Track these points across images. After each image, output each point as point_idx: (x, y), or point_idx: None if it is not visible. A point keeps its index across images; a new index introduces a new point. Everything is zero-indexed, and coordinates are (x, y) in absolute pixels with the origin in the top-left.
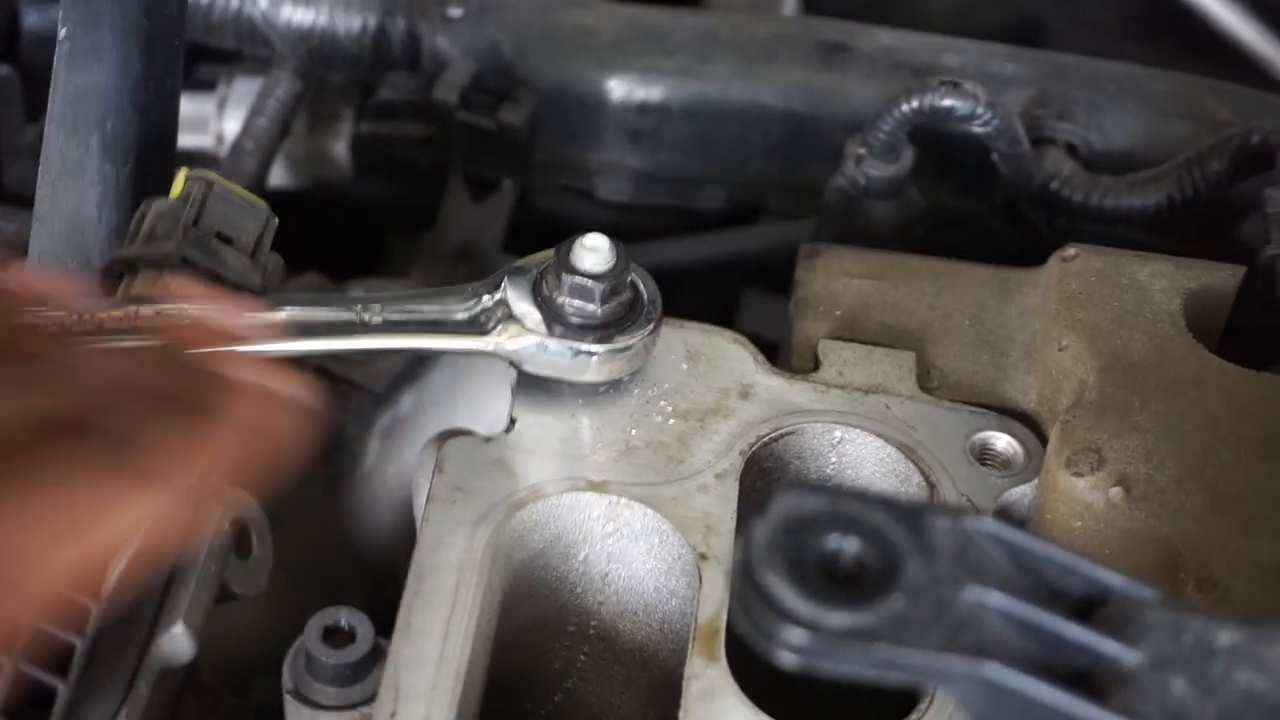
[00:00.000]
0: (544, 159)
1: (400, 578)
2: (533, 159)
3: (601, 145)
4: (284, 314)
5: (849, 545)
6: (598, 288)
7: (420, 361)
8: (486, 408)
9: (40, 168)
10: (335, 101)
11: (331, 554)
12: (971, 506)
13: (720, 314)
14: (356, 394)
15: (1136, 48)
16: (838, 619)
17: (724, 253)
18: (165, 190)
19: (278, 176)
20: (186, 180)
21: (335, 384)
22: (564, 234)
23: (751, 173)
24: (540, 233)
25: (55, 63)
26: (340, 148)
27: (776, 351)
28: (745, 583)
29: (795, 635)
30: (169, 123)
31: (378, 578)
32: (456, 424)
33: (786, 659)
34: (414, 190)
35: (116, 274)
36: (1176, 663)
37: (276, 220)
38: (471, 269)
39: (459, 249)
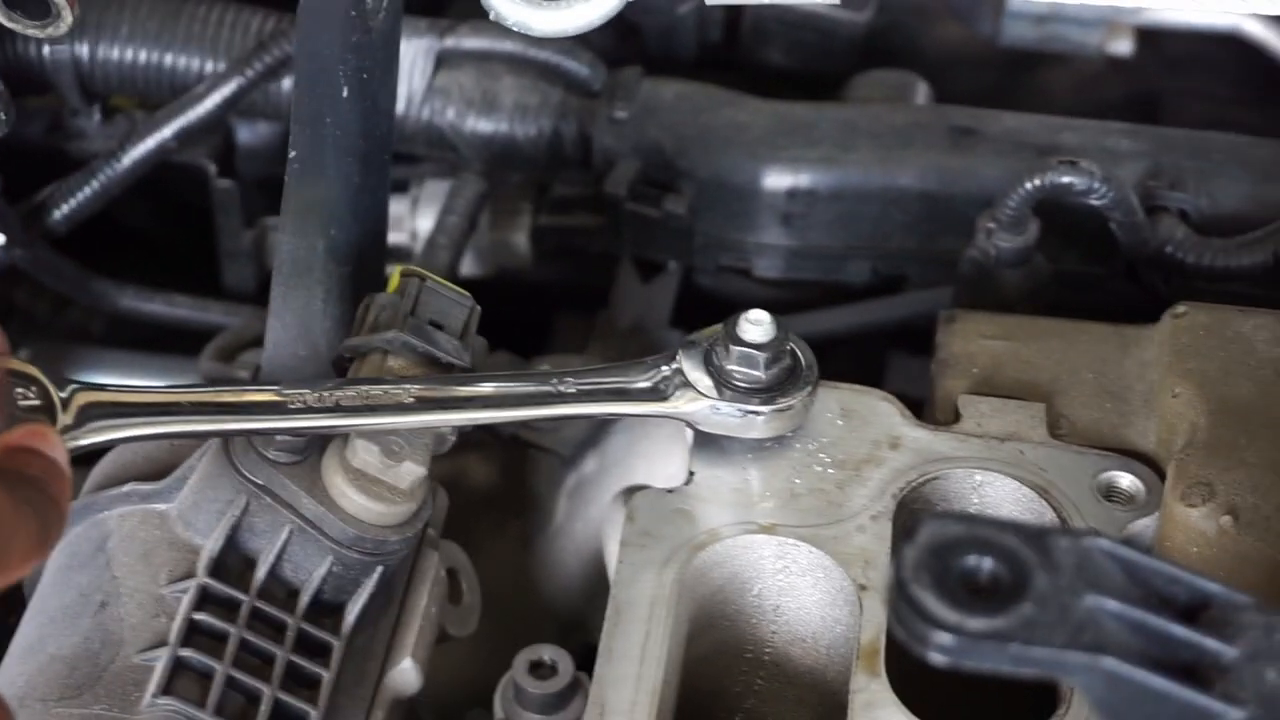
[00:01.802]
0: (704, 242)
1: (588, 622)
2: (694, 243)
3: (756, 228)
4: (491, 387)
5: (985, 563)
6: (761, 356)
7: (601, 427)
8: (660, 466)
9: (274, 270)
10: (514, 198)
11: (524, 603)
12: (1093, 531)
13: (870, 376)
14: (547, 458)
15: (1251, 115)
16: (977, 623)
17: (872, 320)
18: (378, 284)
19: (466, 266)
20: (402, 276)
21: (528, 450)
22: (725, 309)
23: (892, 247)
24: (703, 308)
25: (286, 179)
26: (521, 238)
27: (923, 407)
28: (899, 596)
29: (942, 638)
30: (380, 226)
31: (566, 623)
32: (635, 482)
33: (936, 658)
34: (588, 274)
35: (347, 359)
36: (1270, 656)
37: (479, 309)
38: (643, 343)
39: (631, 326)
